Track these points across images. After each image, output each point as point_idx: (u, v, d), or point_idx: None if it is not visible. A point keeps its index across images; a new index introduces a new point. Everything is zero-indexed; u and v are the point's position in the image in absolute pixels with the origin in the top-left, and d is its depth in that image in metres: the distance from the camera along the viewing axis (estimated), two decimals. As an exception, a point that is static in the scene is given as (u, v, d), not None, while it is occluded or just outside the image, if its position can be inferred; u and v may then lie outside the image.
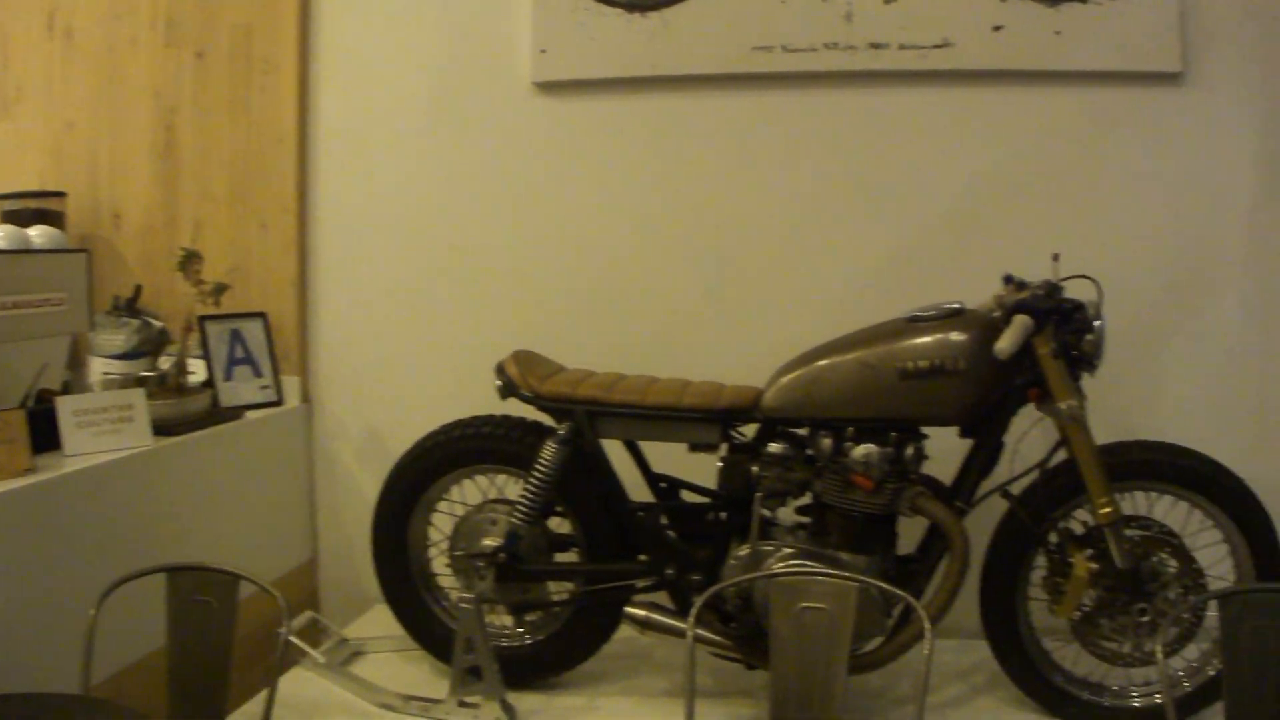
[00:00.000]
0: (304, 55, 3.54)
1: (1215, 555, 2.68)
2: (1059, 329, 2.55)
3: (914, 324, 2.62)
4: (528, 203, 3.44)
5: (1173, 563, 2.62)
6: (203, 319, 3.34)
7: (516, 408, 2.88)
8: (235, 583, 2.30)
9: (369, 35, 3.52)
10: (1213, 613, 2.15)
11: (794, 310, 3.30)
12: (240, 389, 3.41)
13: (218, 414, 3.24)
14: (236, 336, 3.44)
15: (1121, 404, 3.11)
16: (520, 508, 2.80)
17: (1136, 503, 2.72)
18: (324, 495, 3.61)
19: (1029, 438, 2.71)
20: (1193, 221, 3.19)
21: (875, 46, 3.20)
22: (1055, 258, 2.61)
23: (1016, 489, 2.70)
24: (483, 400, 2.95)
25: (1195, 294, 3.20)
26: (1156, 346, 3.20)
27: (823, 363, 2.64)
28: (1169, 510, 2.71)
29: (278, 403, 3.48)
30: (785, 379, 2.67)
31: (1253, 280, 3.18)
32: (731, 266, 3.37)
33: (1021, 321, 2.47)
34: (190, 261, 3.23)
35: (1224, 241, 3.18)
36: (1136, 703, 2.70)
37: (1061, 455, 2.64)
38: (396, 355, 3.53)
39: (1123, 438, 2.73)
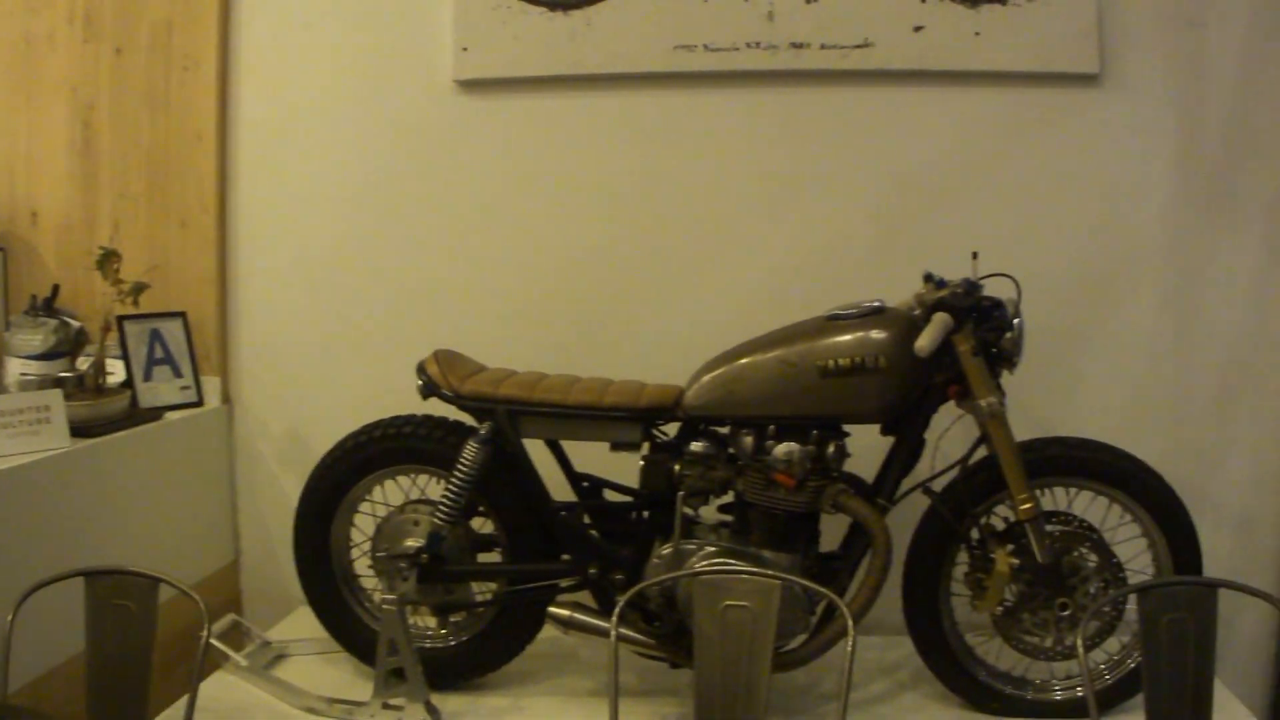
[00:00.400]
0: (224, 51, 3.48)
1: (1134, 549, 2.72)
2: (978, 327, 2.57)
3: (834, 322, 2.63)
4: (449, 201, 3.41)
5: (1093, 557, 2.66)
6: (121, 319, 3.28)
7: (438, 407, 2.86)
8: (155, 586, 2.25)
9: (290, 31, 3.46)
10: (1132, 606, 2.18)
11: (716, 308, 3.30)
12: (160, 390, 3.35)
13: (137, 415, 3.18)
14: (156, 336, 3.38)
15: (1041, 400, 3.15)
16: (442, 508, 2.77)
17: (1056, 498, 2.76)
18: (245, 497, 3.56)
19: (950, 434, 2.73)
20: (1110, 221, 3.23)
21: (796, 46, 3.21)
22: (975, 256, 2.63)
23: (938, 485, 2.73)
24: (405, 400, 2.93)
25: (1113, 292, 3.24)
26: (1075, 344, 3.24)
27: (744, 361, 2.64)
28: (1089, 505, 2.74)
29: (198, 403, 3.43)
30: (706, 377, 2.67)
31: (1170, 278, 3.23)
32: (654, 264, 3.36)
33: (941, 319, 2.49)
34: (109, 260, 3.17)
35: (1141, 240, 3.23)
36: (1059, 696, 2.73)
37: (982, 452, 2.66)
38: (318, 355, 3.49)
39: (1042, 434, 2.76)
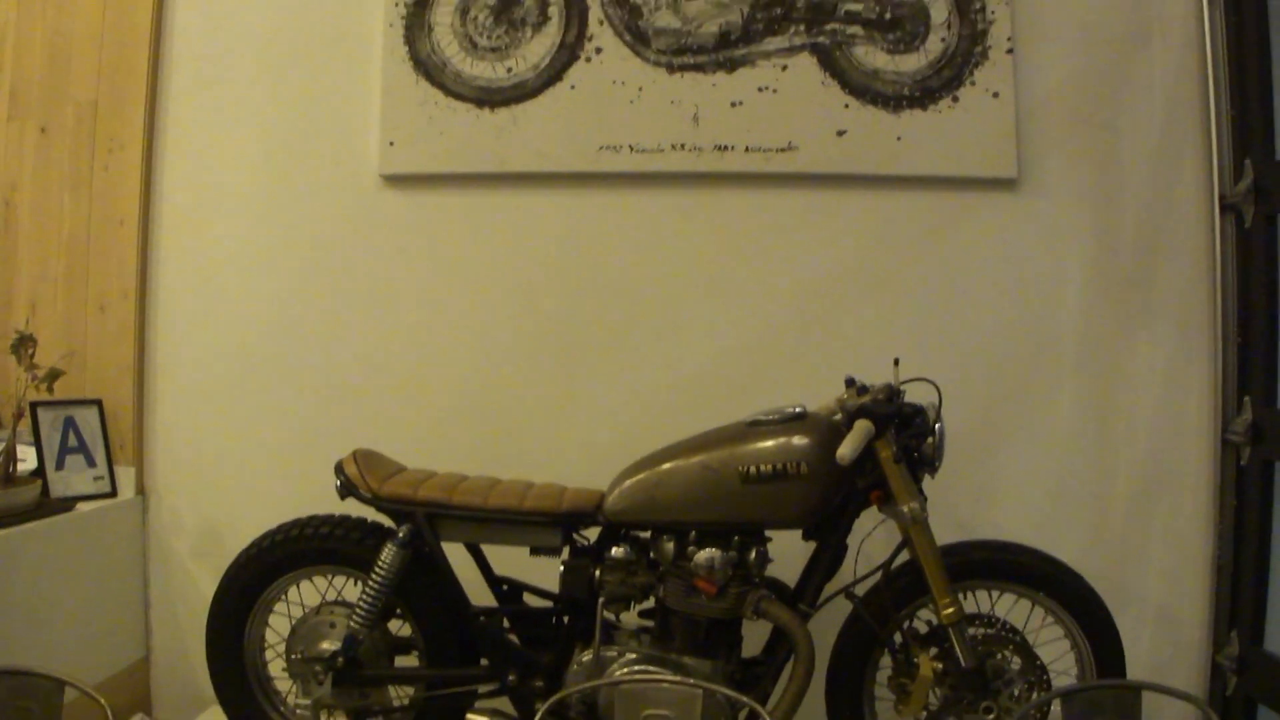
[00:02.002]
0: (150, 135, 3.46)
1: (1058, 650, 2.72)
2: (900, 433, 2.57)
3: (756, 428, 2.63)
4: (372, 296, 3.40)
5: (1016, 660, 2.65)
6: (35, 405, 3.21)
7: (357, 507, 2.82)
8: (59, 688, 2.18)
9: (217, 118, 3.46)
10: (1057, 709, 2.18)
11: (638, 408, 3.31)
12: (72, 479, 3.29)
13: (48, 505, 3.11)
14: (70, 424, 3.32)
15: (963, 501, 3.18)
16: (359, 610, 2.73)
17: (979, 601, 2.76)
18: (158, 592, 3.47)
19: (873, 537, 2.73)
20: (1028, 320, 3.28)
21: (721, 149, 3.26)
22: (896, 363, 2.65)
23: (861, 590, 2.71)
24: (323, 498, 2.88)
25: (1032, 391, 3.28)
26: (995, 444, 3.27)
27: (665, 466, 2.63)
28: (1012, 608, 2.75)
29: (111, 494, 3.36)
30: (628, 483, 2.65)
31: (1087, 376, 3.28)
32: (576, 364, 3.36)
33: (862, 427, 2.49)
34: (23, 345, 3.11)
35: (1058, 339, 3.28)
36: (986, 799, 2.72)
37: (905, 556, 2.66)
38: (236, 448, 3.43)
39: (964, 536, 2.78)
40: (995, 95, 3.24)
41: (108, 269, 3.45)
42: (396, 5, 3.36)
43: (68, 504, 3.18)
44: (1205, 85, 3.27)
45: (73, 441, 3.32)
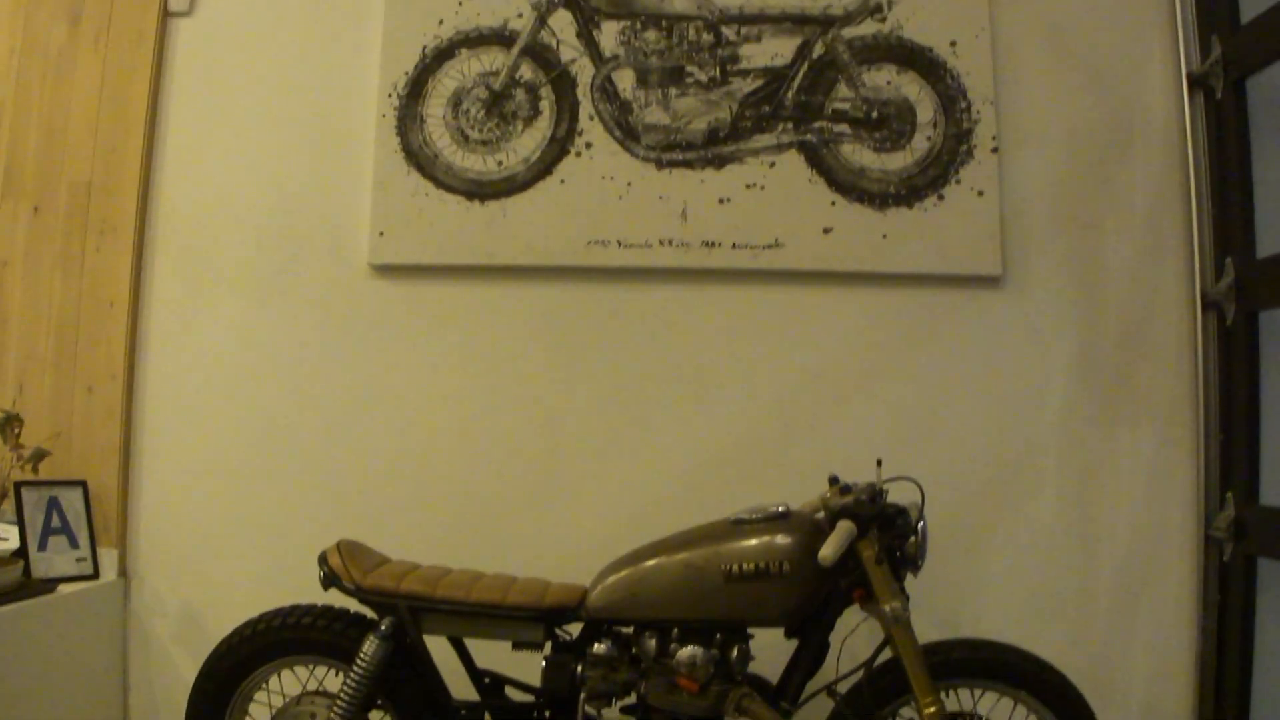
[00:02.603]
0: (143, 218, 3.49)
1: (1040, 751, 2.70)
2: (882, 534, 2.58)
3: (740, 526, 2.63)
4: (360, 385, 3.41)
5: (999, 758, 2.64)
6: (19, 485, 3.20)
7: (340, 598, 2.81)
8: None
9: (208, 204, 3.49)
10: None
11: (621, 503, 3.31)
12: (55, 560, 3.26)
13: (29, 586, 3.09)
14: (54, 505, 3.30)
15: (945, 599, 3.17)
16: (340, 702, 2.70)
17: (962, 700, 2.74)
18: (138, 677, 3.43)
19: (856, 634, 2.73)
20: (1011, 419, 3.30)
21: (708, 244, 3.30)
22: (879, 464, 2.66)
23: (843, 687, 2.70)
24: (306, 587, 2.87)
25: (1014, 490, 3.29)
26: (978, 542, 3.27)
27: (649, 564, 2.63)
28: (994, 706, 2.73)
29: (94, 576, 3.33)
30: (611, 579, 2.65)
31: (1069, 475, 3.29)
32: (561, 457, 3.36)
33: (845, 528, 2.50)
34: (9, 424, 3.12)
35: (1041, 438, 3.30)
36: None
37: (887, 654, 2.65)
38: (220, 534, 3.42)
39: (947, 634, 2.78)
40: (980, 194, 3.29)
41: (96, 350, 3.46)
42: (390, 96, 3.41)
43: (50, 585, 3.16)
44: (1186, 184, 3.33)
45: (56, 522, 3.30)
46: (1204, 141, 3.31)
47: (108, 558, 3.39)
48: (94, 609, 3.33)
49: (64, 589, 3.20)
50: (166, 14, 3.58)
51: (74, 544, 3.32)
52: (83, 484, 3.38)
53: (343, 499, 3.38)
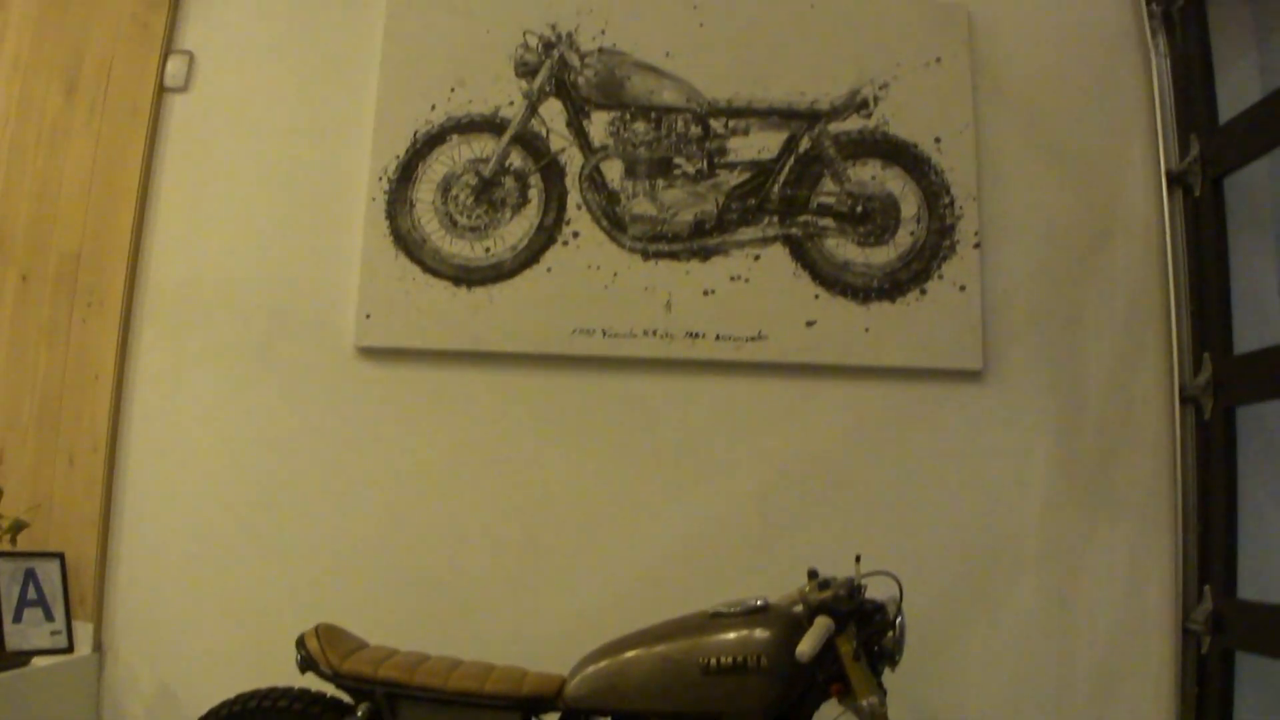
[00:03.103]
0: (130, 291, 3.48)
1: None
2: (860, 629, 2.58)
3: (718, 619, 2.62)
4: (342, 466, 3.40)
5: None
6: (-5, 556, 3.18)
7: (316, 682, 2.79)
8: None
9: (197, 279, 3.49)
10: None
11: (601, 592, 3.30)
12: (29, 633, 3.22)
13: (2, 659, 3.05)
14: (30, 576, 3.27)
15: (924, 690, 3.16)
16: (314, 788, 2.69)
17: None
18: (109, 754, 3.41)
19: (833, 727, 2.73)
20: (990, 513, 3.32)
21: (692, 336, 3.33)
22: (858, 560, 2.66)
23: (819, 781, 2.70)
24: (283, 669, 2.85)
25: (994, 581, 3.30)
26: (958, 635, 3.27)
27: (627, 654, 2.62)
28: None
29: (68, 650, 3.29)
30: (589, 669, 2.64)
31: (1048, 568, 3.30)
32: (541, 544, 3.36)
33: (823, 624, 2.50)
34: (-11, 495, 3.11)
35: (1021, 529, 3.32)
36: None
37: (864, 748, 2.66)
38: (198, 611, 3.38)
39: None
40: (962, 288, 3.34)
41: (79, 422, 3.44)
42: (380, 179, 3.44)
43: (23, 658, 3.12)
44: (1165, 280, 3.39)
45: (32, 594, 3.27)
46: (1182, 239, 3.37)
47: (83, 631, 3.35)
48: (68, 683, 3.29)
49: (38, 662, 3.16)
50: (162, 88, 3.60)
51: (49, 617, 3.29)
52: (60, 556, 3.34)
53: (322, 580, 3.35)
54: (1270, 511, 3.25)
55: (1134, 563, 3.30)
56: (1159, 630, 3.28)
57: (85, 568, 3.39)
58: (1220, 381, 3.17)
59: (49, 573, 3.31)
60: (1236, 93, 3.32)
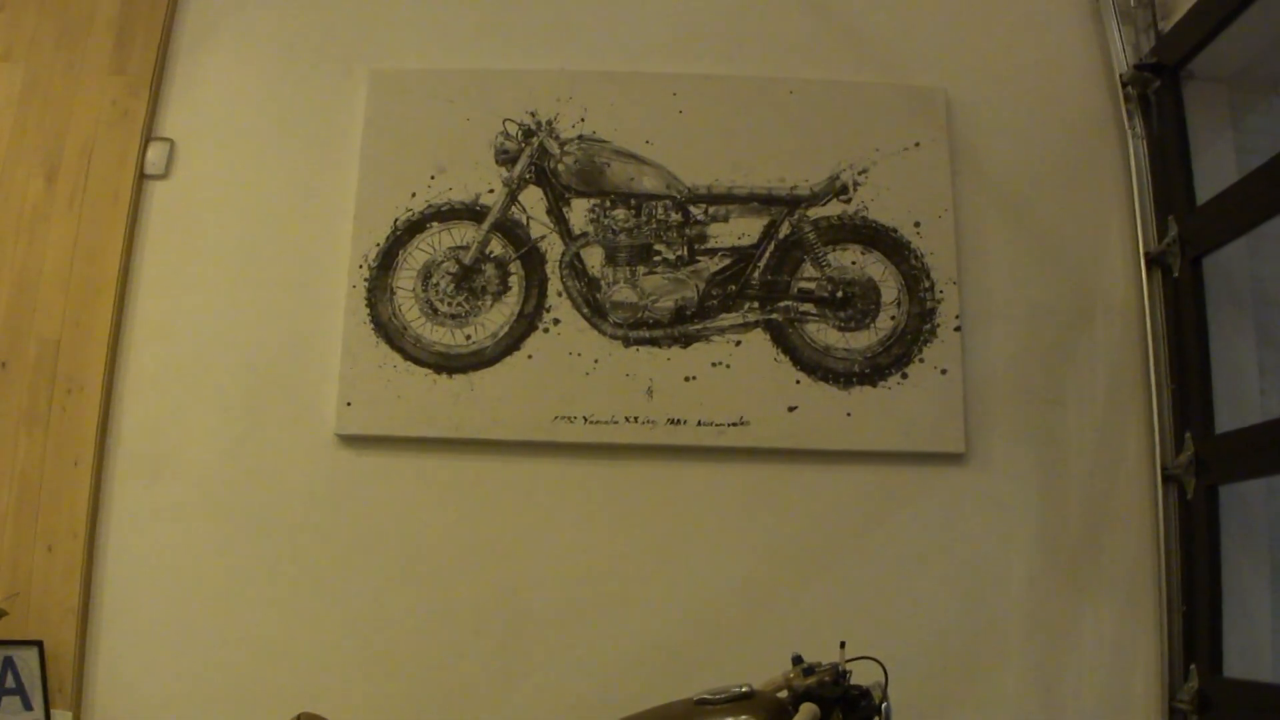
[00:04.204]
0: (110, 377, 3.47)
1: None
2: (846, 716, 2.57)
3: (703, 706, 2.60)
4: (322, 555, 3.37)
5: None
6: (-26, 646, 3.15)
7: (297, 775, 2.77)
8: None
9: (176, 368, 3.48)
10: None
11: (584, 683, 3.26)
12: (7, 722, 3.21)
13: (-21, 750, 3.03)
14: (9, 665, 3.23)
15: (910, 778, 3.14)
16: None
17: None
18: None
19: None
20: (976, 594, 3.30)
21: (674, 422, 3.32)
22: (842, 646, 2.65)
23: None
24: (263, 763, 2.83)
25: (979, 664, 3.27)
26: (943, 718, 3.24)
27: (612, 746, 2.61)
28: None
29: (46, 739, 3.27)
30: (574, 763, 2.63)
31: (1034, 649, 3.27)
32: (523, 632, 3.32)
33: (809, 711, 2.47)
34: (-33, 585, 3.08)
35: (1006, 612, 3.29)
36: None
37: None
38: (178, 700, 3.32)
39: (910, 815, 2.74)
40: (943, 372, 3.34)
41: (59, 509, 3.41)
42: (361, 267, 3.44)
43: (1, 749, 3.11)
44: (1146, 361, 3.39)
45: (10, 683, 3.23)
46: (1162, 319, 3.38)
47: (61, 720, 3.34)
48: (45, 774, 3.27)
49: (16, 752, 3.14)
50: (143, 176, 3.62)
51: (28, 706, 3.25)
52: (39, 644, 3.31)
53: (304, 669, 3.31)
54: (1254, 589, 3.24)
55: (1119, 642, 3.28)
56: (1146, 709, 3.24)
57: (64, 656, 3.34)
58: (1202, 460, 3.17)
59: (27, 661, 3.27)
60: (1213, 174, 3.35)
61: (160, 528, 3.41)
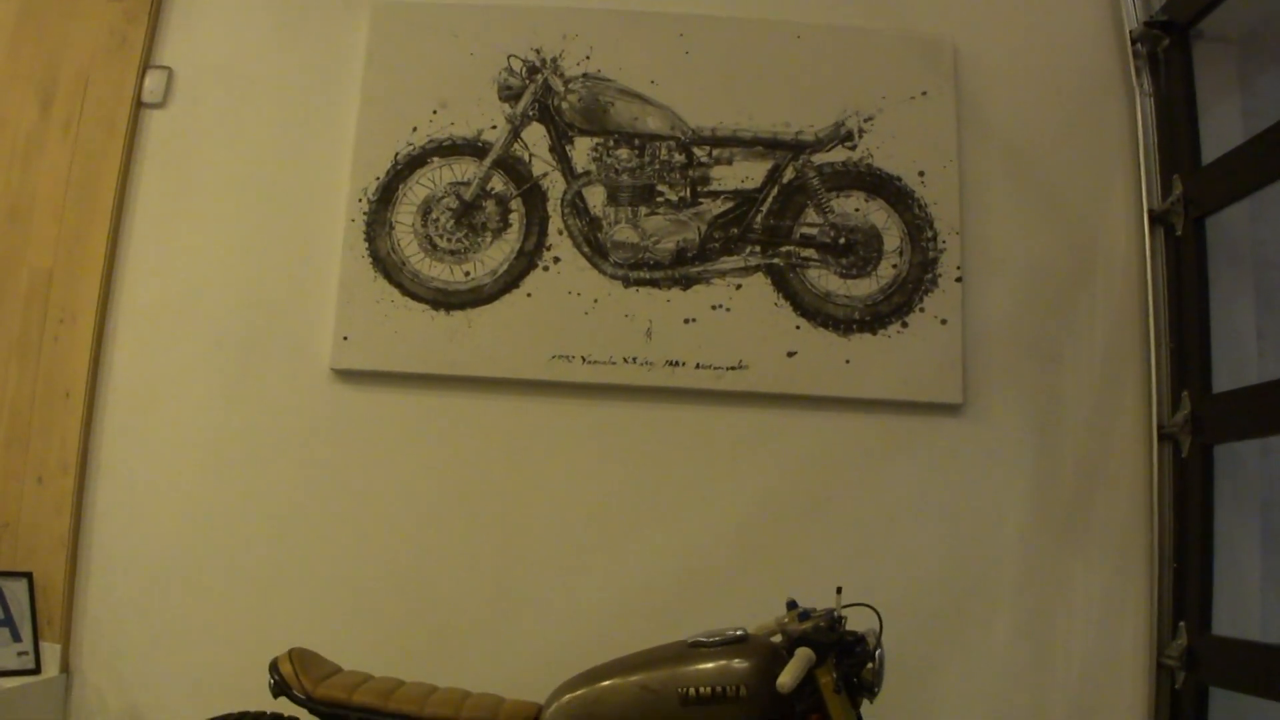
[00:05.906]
0: (103, 309, 3.45)
1: None
2: (840, 661, 2.57)
3: (697, 649, 2.60)
4: (316, 490, 3.37)
5: None
6: (-38, 576, 3.14)
7: (289, 706, 2.75)
8: None
9: (171, 298, 3.47)
10: None
11: (577, 620, 3.28)
12: (-5, 652, 3.19)
13: (-34, 681, 3.02)
14: (-2, 596, 3.23)
15: (901, 724, 3.15)
16: (283, 815, 2.65)
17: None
18: (73, 779, 3.35)
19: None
20: (969, 546, 3.32)
21: (672, 364, 3.32)
22: (839, 591, 2.65)
23: (795, 815, 2.67)
24: (255, 694, 2.80)
25: (971, 617, 3.29)
26: (935, 667, 3.26)
27: (604, 684, 2.59)
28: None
29: (35, 671, 3.24)
30: (566, 697, 2.61)
31: (1025, 603, 3.29)
32: (517, 572, 3.33)
33: (803, 655, 2.48)
34: (-44, 515, 3.06)
35: (998, 566, 3.31)
36: None
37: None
38: (168, 633, 3.33)
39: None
40: (943, 322, 3.34)
41: (49, 441, 3.40)
42: (360, 201, 3.42)
43: (-11, 679, 3.09)
44: (1145, 318, 3.39)
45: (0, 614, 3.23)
46: (1163, 277, 3.38)
47: (50, 652, 3.30)
48: (34, 705, 3.23)
49: (4, 683, 3.11)
50: (140, 104, 3.58)
51: (16, 637, 3.24)
52: (28, 576, 3.30)
53: (296, 604, 3.32)
54: (1245, 549, 3.27)
55: (1109, 597, 3.30)
56: (1134, 665, 3.27)
57: (54, 588, 3.34)
58: (1198, 420, 3.18)
59: (16, 592, 3.27)
60: (1220, 134, 3.35)
61: (152, 461, 3.41)
